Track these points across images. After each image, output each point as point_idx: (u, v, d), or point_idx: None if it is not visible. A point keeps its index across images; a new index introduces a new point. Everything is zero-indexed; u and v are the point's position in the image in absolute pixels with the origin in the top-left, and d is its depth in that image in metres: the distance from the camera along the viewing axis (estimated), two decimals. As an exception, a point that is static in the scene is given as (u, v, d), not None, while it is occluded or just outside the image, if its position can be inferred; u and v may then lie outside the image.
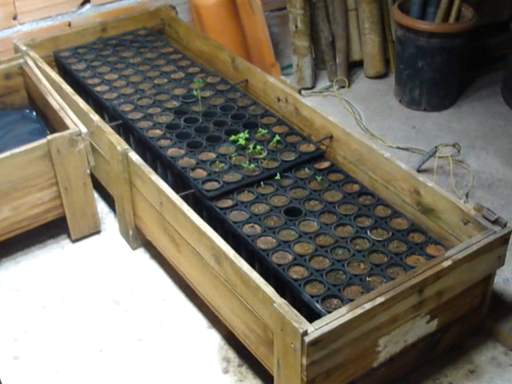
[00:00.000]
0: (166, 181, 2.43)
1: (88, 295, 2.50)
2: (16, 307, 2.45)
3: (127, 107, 2.81)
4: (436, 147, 3.05)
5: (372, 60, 3.81)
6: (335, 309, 1.86)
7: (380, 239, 2.18)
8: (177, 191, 2.29)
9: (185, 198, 2.27)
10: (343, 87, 3.77)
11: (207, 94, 2.91)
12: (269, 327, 1.89)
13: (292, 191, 2.39)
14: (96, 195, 2.84)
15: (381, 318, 1.86)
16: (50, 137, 2.48)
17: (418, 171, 2.96)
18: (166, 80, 3.02)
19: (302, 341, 1.72)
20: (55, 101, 2.71)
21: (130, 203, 2.56)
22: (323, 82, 3.83)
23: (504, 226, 2.09)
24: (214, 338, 2.32)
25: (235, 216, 2.28)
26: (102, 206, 2.91)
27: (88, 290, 2.52)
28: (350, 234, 2.20)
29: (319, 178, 2.44)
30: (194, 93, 2.87)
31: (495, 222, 2.10)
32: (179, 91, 2.93)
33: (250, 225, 2.24)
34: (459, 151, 3.09)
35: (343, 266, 2.07)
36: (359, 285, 2.00)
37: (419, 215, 2.32)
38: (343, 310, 1.81)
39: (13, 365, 2.24)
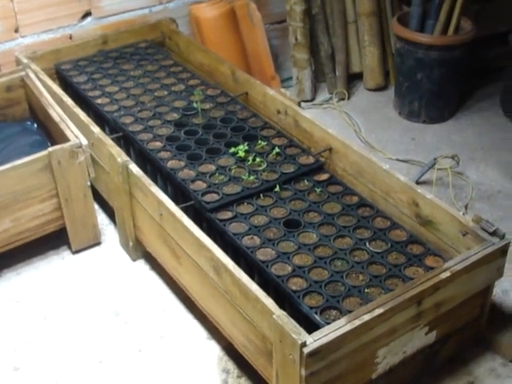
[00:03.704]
0: (166, 192, 2.44)
1: (88, 306, 2.50)
2: (16, 318, 2.46)
3: (128, 119, 2.83)
4: (435, 159, 3.06)
5: (371, 72, 3.82)
6: (334, 320, 1.87)
7: (379, 251, 2.19)
8: (177, 203, 2.30)
9: (185, 210, 2.28)
10: (343, 99, 3.78)
11: (207, 106, 2.92)
12: (268, 338, 1.89)
13: (291, 203, 2.40)
14: (96, 207, 2.84)
15: (380, 329, 1.86)
16: (50, 149, 2.49)
17: (417, 183, 2.97)
18: (166, 92, 3.03)
19: (301, 352, 1.72)
20: (56, 113, 2.72)
21: (130, 215, 2.57)
22: (323, 95, 3.85)
23: (502, 237, 2.09)
24: (214, 349, 2.33)
25: (235, 228, 2.28)
26: (102, 218, 2.92)
27: (88, 301, 2.53)
28: (349, 246, 2.21)
29: (318, 190, 2.45)
30: (194, 105, 2.89)
31: (494, 233, 2.10)
32: (179, 103, 2.94)
33: (250, 236, 2.24)
34: (458, 163, 3.10)
35: (342, 277, 2.07)
36: (358, 296, 2.00)
37: (418, 227, 2.32)
38: (342, 321, 1.81)
39: (13, 376, 2.24)
